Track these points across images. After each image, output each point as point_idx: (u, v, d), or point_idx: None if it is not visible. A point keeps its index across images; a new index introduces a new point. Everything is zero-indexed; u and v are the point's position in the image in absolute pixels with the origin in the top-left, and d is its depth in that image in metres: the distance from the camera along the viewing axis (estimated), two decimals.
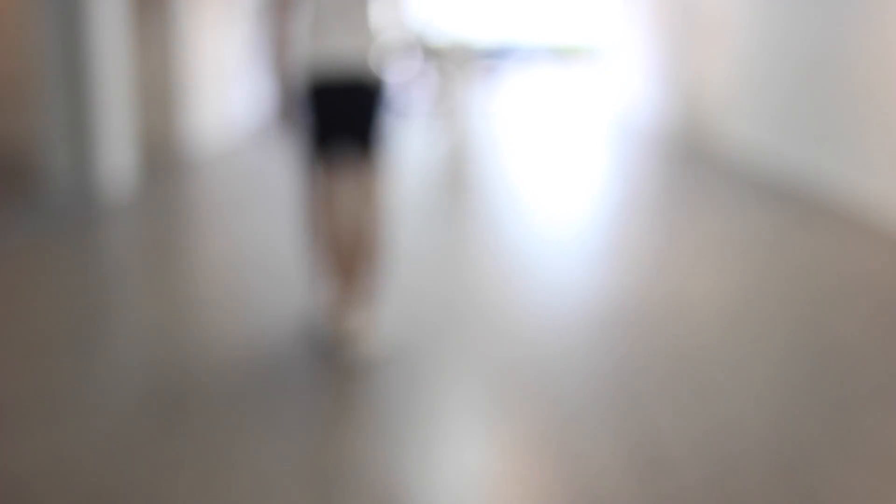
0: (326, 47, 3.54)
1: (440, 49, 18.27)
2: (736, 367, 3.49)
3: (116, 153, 7.68)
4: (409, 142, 11.18)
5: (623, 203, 7.16)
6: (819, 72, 7.59)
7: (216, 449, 2.81)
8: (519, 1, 25.68)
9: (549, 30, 26.16)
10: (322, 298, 3.84)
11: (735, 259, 5.24)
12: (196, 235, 6.01)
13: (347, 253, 3.64)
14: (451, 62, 18.10)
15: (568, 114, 15.31)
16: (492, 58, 23.71)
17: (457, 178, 8.41)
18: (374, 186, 3.69)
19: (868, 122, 6.70)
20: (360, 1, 3.57)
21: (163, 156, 9.56)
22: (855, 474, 2.65)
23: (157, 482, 2.61)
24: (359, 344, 3.57)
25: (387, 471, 2.68)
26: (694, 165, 9.20)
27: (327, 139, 3.61)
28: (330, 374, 3.44)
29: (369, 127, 3.63)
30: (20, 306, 4.36)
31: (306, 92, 3.58)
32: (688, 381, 3.35)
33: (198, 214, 6.69)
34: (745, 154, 9.40)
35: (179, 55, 10.17)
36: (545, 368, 3.49)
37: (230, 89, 12.51)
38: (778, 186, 7.72)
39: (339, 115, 3.60)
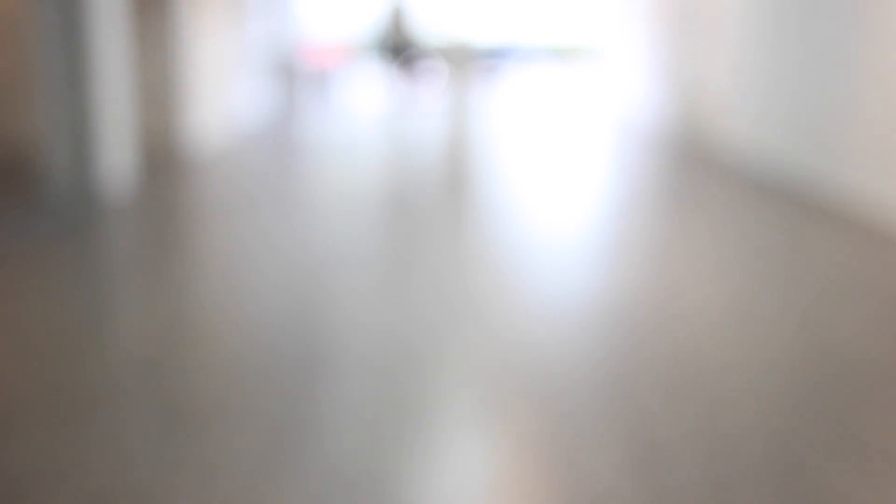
0: (399, 35, 20.21)
1: (440, 49, 18.24)
2: (736, 367, 3.49)
3: (116, 153, 7.68)
4: (411, 129, 11.17)
5: (623, 203, 7.16)
6: (819, 71, 7.58)
7: (216, 449, 2.81)
8: (519, 1, 25.66)
9: (549, 30, 26.13)
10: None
11: (734, 259, 5.24)
12: (196, 235, 6.00)
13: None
14: (451, 62, 18.06)
15: (568, 114, 15.30)
16: (492, 58, 23.70)
17: (456, 178, 8.41)
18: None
19: (868, 122, 6.70)
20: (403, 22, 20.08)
21: (163, 156, 9.56)
22: (851, 469, 2.65)
23: (156, 482, 2.61)
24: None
25: (386, 470, 2.68)
26: (694, 165, 9.19)
27: (398, 63, 18.51)
28: (327, 375, 3.45)
29: (410, 62, 19.59)
30: (20, 306, 4.36)
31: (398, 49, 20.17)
32: (687, 381, 3.35)
33: (198, 214, 6.69)
34: (745, 154, 9.40)
35: (179, 55, 10.17)
36: (544, 367, 3.49)
37: (230, 89, 12.50)
38: (778, 186, 7.72)
39: (401, 56, 19.47)
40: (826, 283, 4.70)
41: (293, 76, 17.60)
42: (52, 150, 7.34)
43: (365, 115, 14.78)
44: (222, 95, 12.04)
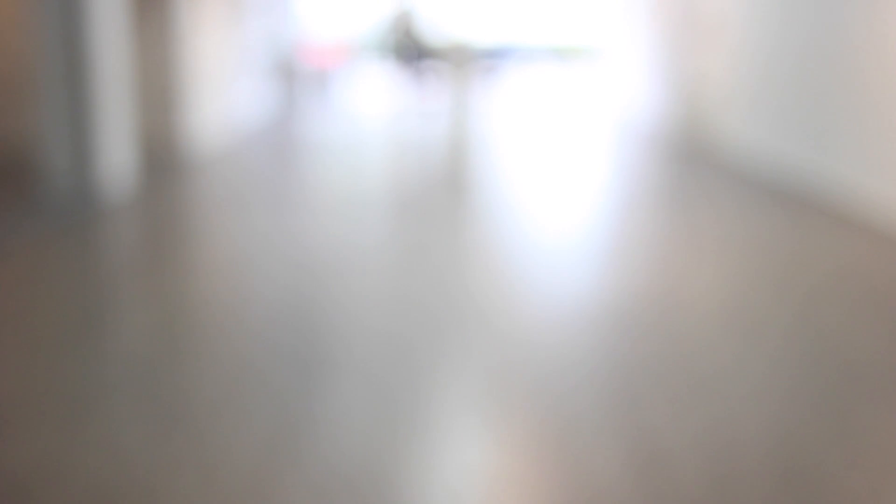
0: (399, 35, 17.63)
1: (441, 49, 18.27)
2: (735, 366, 3.49)
3: (116, 153, 7.68)
4: (411, 130, 11.17)
5: (622, 203, 7.16)
6: (818, 71, 7.59)
7: (216, 449, 2.81)
8: (519, 1, 25.68)
9: (548, 30, 26.13)
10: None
11: (734, 258, 5.24)
12: (196, 235, 6.00)
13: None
14: (451, 62, 18.09)
15: (568, 114, 15.30)
16: (492, 58, 23.70)
17: (456, 178, 8.41)
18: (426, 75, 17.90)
19: (867, 121, 6.70)
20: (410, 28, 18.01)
21: (163, 156, 9.56)
22: (853, 471, 2.65)
23: (156, 482, 2.61)
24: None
25: (387, 470, 2.68)
26: (694, 165, 9.19)
27: (411, 63, 17.48)
28: (328, 375, 3.45)
29: (410, 62, 17.45)
30: (20, 306, 4.36)
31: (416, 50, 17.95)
32: (687, 381, 3.35)
33: (198, 214, 6.68)
34: (745, 153, 9.40)
35: (179, 55, 10.17)
36: (544, 367, 3.49)
37: (230, 89, 12.50)
38: (777, 185, 7.72)
39: (413, 56, 17.41)
40: (825, 281, 4.70)
41: (293, 76, 17.62)
42: (52, 150, 7.34)
43: (365, 114, 14.78)
44: (222, 95, 12.04)
